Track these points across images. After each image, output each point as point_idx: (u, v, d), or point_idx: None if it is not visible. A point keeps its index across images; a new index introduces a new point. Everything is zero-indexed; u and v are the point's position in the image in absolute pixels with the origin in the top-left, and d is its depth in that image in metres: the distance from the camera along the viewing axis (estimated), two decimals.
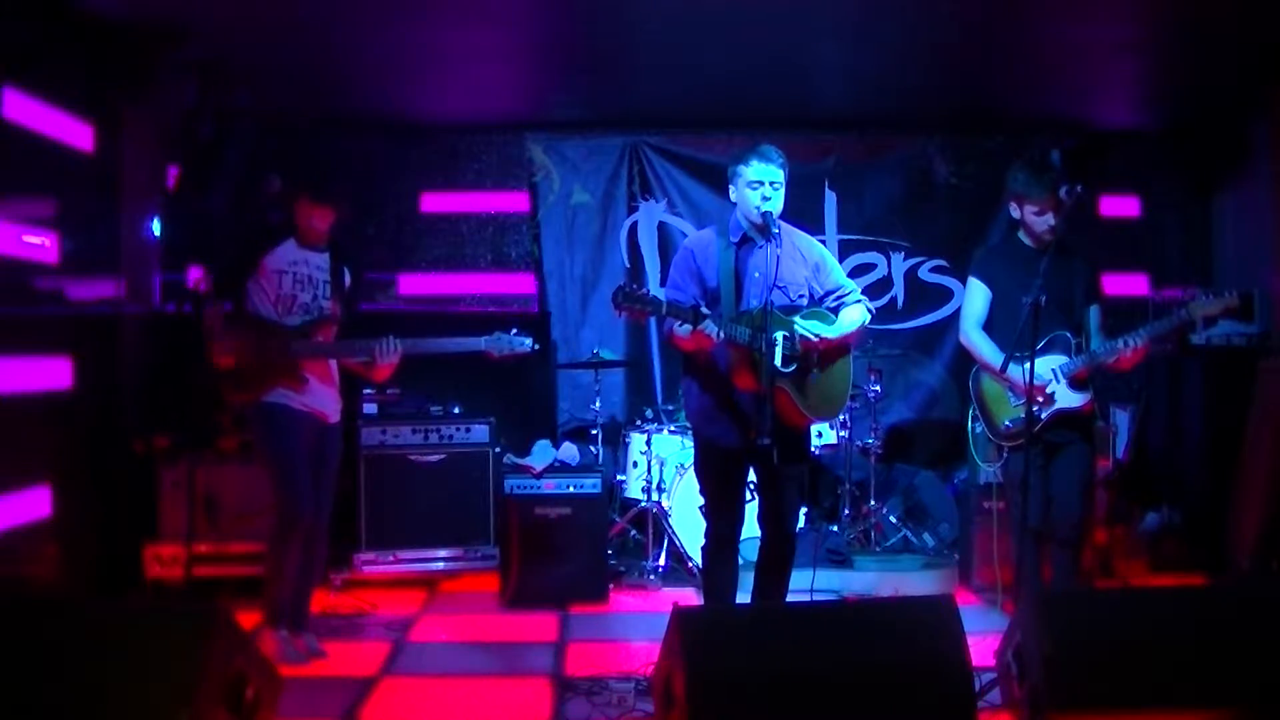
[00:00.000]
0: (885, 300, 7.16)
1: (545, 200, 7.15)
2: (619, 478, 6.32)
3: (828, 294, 4.18)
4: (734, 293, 4.03)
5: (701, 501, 4.23)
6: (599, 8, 5.06)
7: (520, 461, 5.68)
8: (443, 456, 5.97)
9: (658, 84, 6.28)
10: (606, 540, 5.77)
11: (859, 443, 6.39)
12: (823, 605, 4.30)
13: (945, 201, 7.23)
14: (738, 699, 3.09)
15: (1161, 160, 7.18)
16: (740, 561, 4.22)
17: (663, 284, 6.67)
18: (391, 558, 5.83)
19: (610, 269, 7.15)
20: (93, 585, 5.21)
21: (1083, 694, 3.27)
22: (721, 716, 3.09)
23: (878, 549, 6.17)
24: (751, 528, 4.27)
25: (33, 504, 4.75)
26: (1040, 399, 4.26)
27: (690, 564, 5.75)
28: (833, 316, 4.13)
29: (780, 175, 4.01)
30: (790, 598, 4.29)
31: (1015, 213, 4.49)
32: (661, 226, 7.17)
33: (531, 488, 5.55)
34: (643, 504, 6.01)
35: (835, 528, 6.20)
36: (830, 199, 7.21)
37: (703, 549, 4.23)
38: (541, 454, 5.69)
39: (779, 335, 3.92)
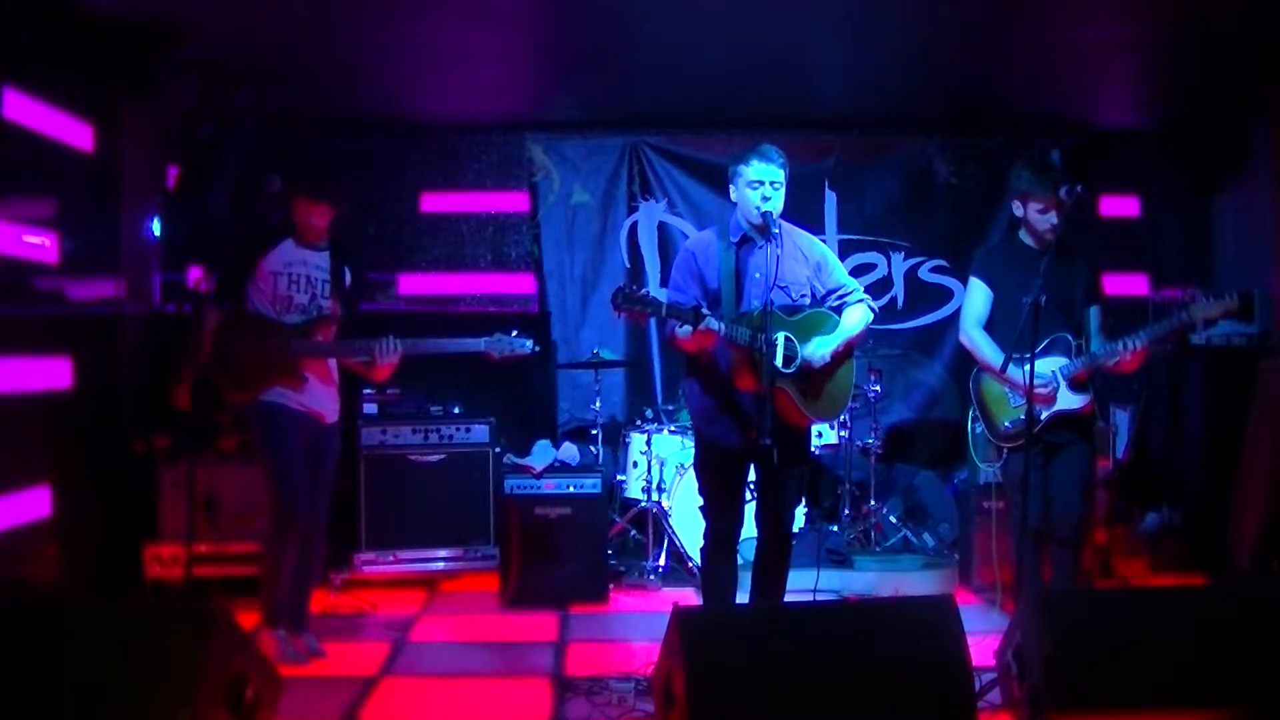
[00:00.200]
0: (885, 300, 7.16)
1: (545, 200, 7.15)
2: (619, 478, 6.32)
3: (829, 293, 4.18)
4: (734, 293, 4.02)
5: (701, 501, 4.23)
6: (599, 8, 5.06)
7: (520, 461, 5.68)
8: (443, 456, 5.96)
9: (658, 84, 6.28)
10: (606, 540, 5.76)
11: (859, 443, 6.39)
12: (823, 605, 4.29)
13: (945, 201, 7.23)
14: (738, 699, 3.09)
15: (1161, 160, 7.19)
16: (739, 561, 4.22)
17: (663, 284, 6.68)
18: (391, 558, 5.83)
19: (610, 269, 7.15)
20: (93, 585, 5.20)
21: (1083, 694, 3.28)
22: (721, 716, 3.09)
23: (878, 549, 6.17)
24: (750, 528, 4.27)
25: (33, 504, 4.75)
26: (1043, 391, 4.25)
27: (690, 564, 5.75)
28: (835, 317, 4.12)
29: (781, 175, 4.00)
30: (792, 598, 4.29)
31: (1018, 211, 4.49)
32: (661, 226, 7.17)
33: (531, 488, 5.55)
34: (643, 504, 6.01)
35: (835, 528, 6.20)
36: (830, 199, 7.22)
37: (702, 549, 4.23)
38: (541, 454, 5.69)
39: (780, 336, 3.92)
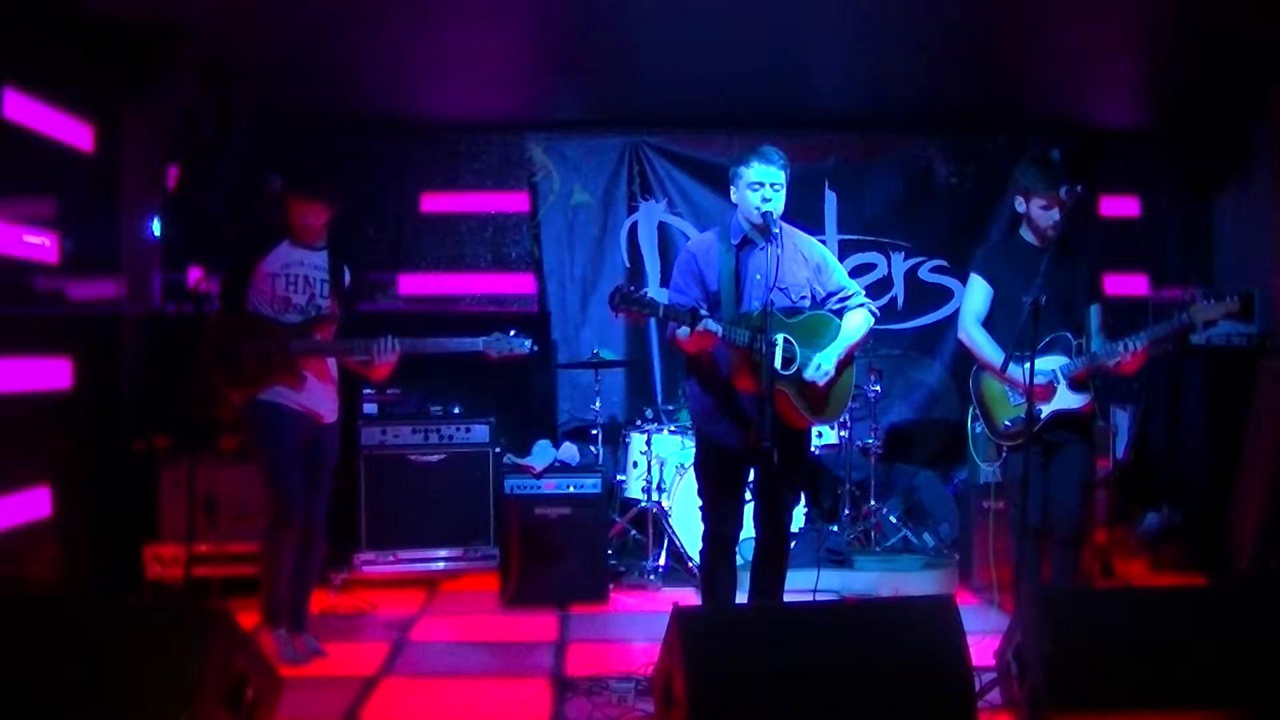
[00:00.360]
0: (885, 300, 7.15)
1: (545, 200, 7.15)
2: (619, 478, 6.32)
3: (830, 295, 4.18)
4: (734, 295, 4.02)
5: (701, 502, 4.23)
6: (599, 8, 5.06)
7: (520, 461, 5.68)
8: (443, 456, 5.97)
9: (658, 84, 6.27)
10: (606, 540, 5.76)
11: (859, 443, 6.39)
12: (823, 605, 4.29)
13: (945, 201, 7.23)
14: (738, 699, 3.09)
15: (1161, 160, 7.18)
16: (739, 561, 4.21)
17: (663, 285, 6.69)
18: (391, 558, 5.84)
19: (610, 269, 7.15)
20: (93, 585, 5.20)
21: (1083, 694, 3.28)
22: (721, 716, 3.09)
23: (878, 549, 6.16)
24: (749, 528, 4.27)
25: (33, 504, 4.75)
26: (1042, 383, 4.24)
27: (690, 564, 5.75)
28: (836, 321, 4.12)
29: (781, 176, 4.00)
30: (792, 597, 4.29)
31: (1021, 207, 4.48)
32: (662, 226, 7.17)
33: (531, 488, 5.55)
34: (643, 504, 6.01)
35: (835, 528, 6.20)
36: (830, 199, 7.22)
37: (702, 550, 4.23)
38: (541, 454, 5.69)
39: (779, 338, 3.92)
